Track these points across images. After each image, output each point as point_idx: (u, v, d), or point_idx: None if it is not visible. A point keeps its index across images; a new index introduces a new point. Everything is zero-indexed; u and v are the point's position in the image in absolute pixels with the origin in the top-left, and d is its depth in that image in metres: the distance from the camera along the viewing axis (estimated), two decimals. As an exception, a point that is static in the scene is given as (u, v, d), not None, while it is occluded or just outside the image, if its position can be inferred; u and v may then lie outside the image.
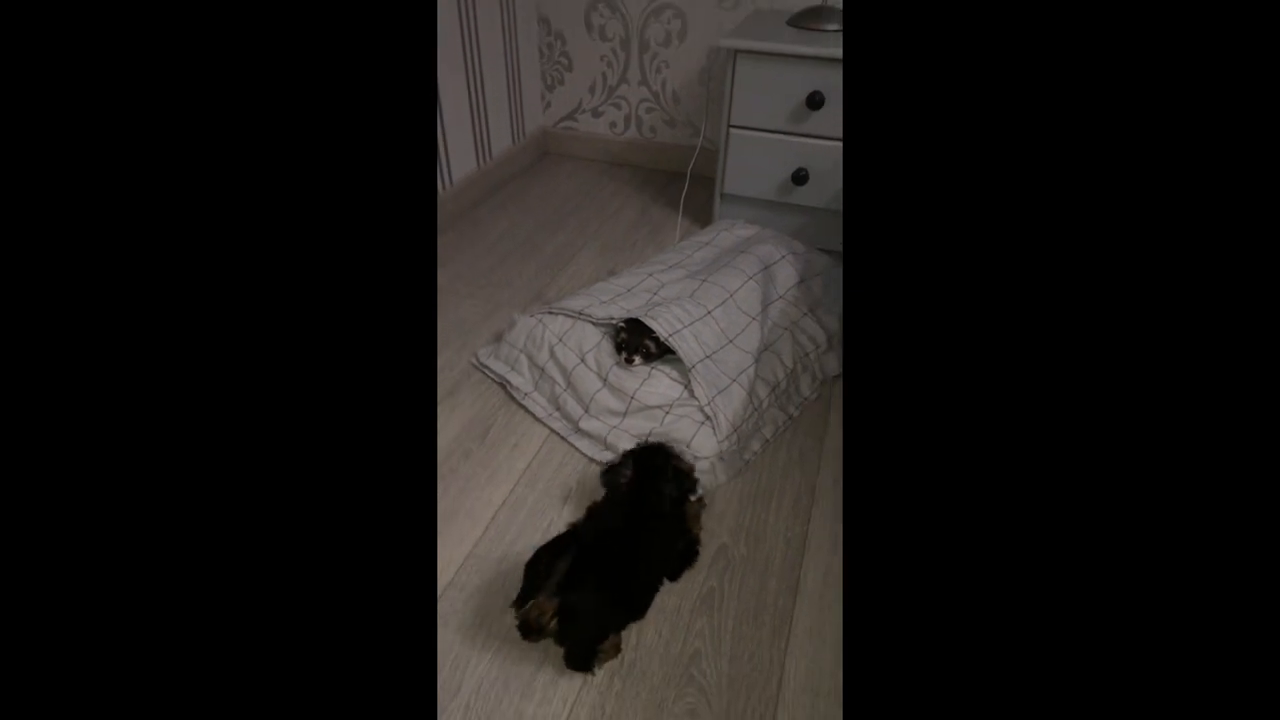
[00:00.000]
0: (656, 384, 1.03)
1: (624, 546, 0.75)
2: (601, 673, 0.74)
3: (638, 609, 0.77)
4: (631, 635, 0.77)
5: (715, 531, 0.90)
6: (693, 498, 0.86)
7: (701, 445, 0.97)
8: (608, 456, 0.99)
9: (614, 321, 1.09)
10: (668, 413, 1.01)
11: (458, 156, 1.65)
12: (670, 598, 0.82)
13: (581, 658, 0.73)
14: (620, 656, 0.75)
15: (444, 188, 1.62)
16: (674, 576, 0.83)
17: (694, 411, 0.99)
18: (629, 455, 0.83)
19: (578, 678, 0.73)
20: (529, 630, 0.71)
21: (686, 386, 1.02)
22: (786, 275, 1.23)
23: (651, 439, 0.96)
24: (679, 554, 0.83)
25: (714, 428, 0.97)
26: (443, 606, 0.80)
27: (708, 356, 1.04)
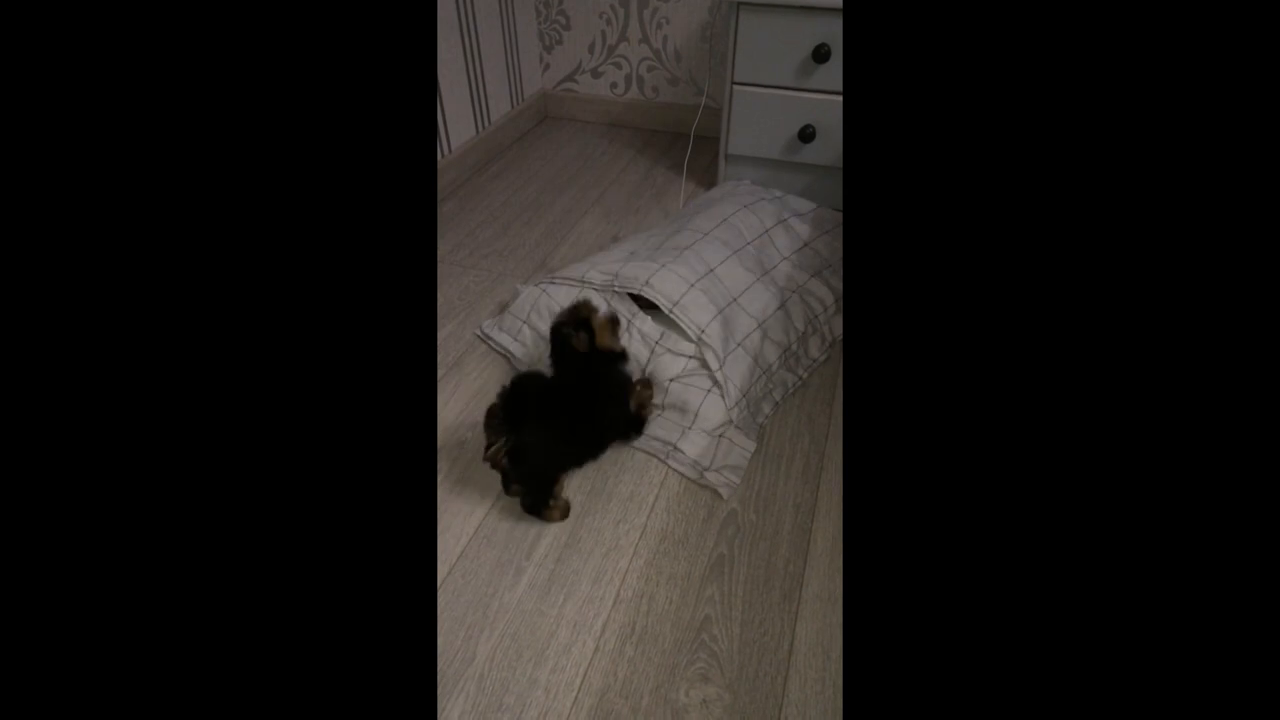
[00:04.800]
0: (661, 357, 1.01)
1: (573, 394, 0.87)
2: (614, 637, 0.74)
3: (590, 450, 0.88)
4: (642, 602, 0.78)
5: (724, 497, 0.90)
6: (639, 384, 0.97)
7: (710, 412, 0.96)
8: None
9: (615, 288, 1.07)
10: (673, 380, 1.00)
11: (456, 123, 1.61)
12: (680, 563, 0.82)
13: (535, 498, 0.85)
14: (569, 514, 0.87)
15: (443, 156, 1.59)
16: (624, 439, 0.95)
17: (701, 380, 0.98)
18: (574, 317, 0.91)
19: (590, 644, 0.74)
20: (495, 466, 0.83)
21: (693, 357, 1.01)
22: (792, 235, 1.21)
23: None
24: (628, 423, 0.93)
25: (723, 394, 0.96)
26: (454, 577, 0.81)
27: (720, 312, 1.02)
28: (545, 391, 0.85)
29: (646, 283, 1.04)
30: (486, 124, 1.74)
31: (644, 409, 0.95)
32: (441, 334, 1.18)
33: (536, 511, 0.86)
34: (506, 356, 1.12)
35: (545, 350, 1.09)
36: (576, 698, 0.70)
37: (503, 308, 1.20)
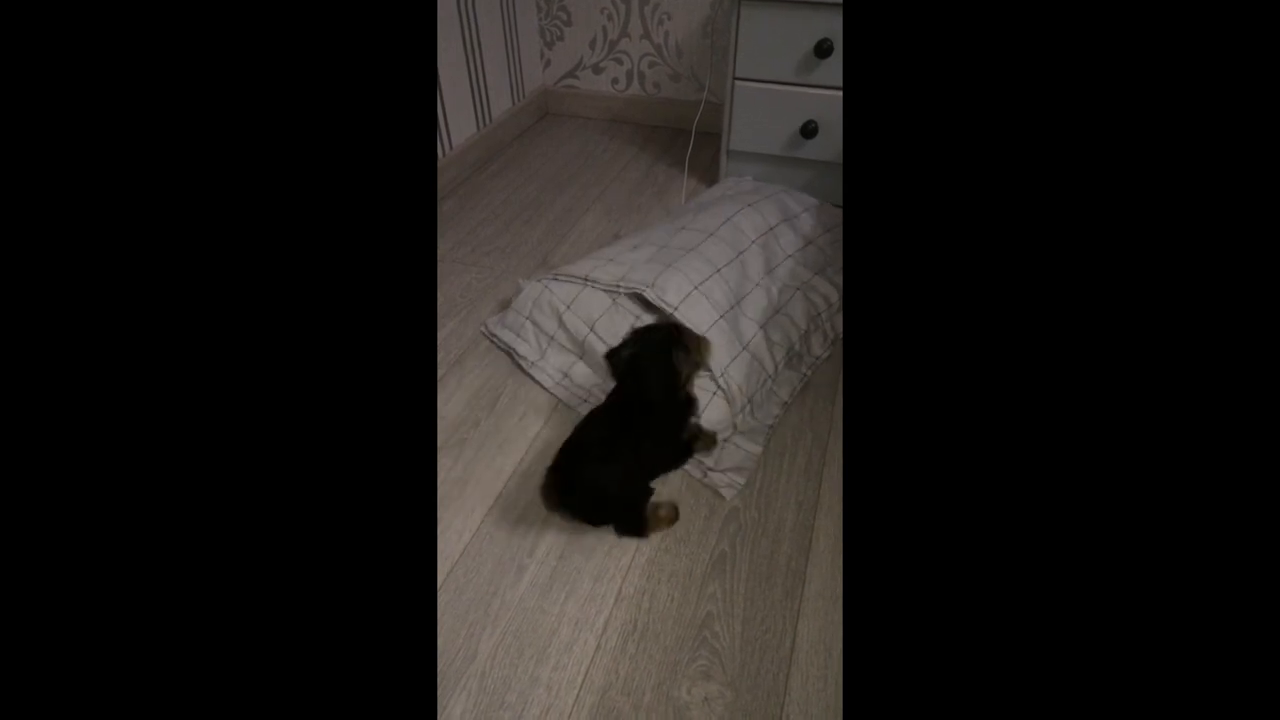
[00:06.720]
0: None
1: (632, 424, 0.84)
2: (615, 635, 0.74)
3: (644, 476, 0.86)
4: (644, 600, 0.78)
5: (726, 499, 0.90)
6: (698, 421, 0.93)
7: (713, 417, 0.95)
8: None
9: (619, 289, 1.07)
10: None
11: (456, 120, 1.61)
12: (681, 561, 0.82)
13: (632, 526, 0.84)
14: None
15: (443, 153, 1.59)
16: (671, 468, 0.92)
17: (705, 382, 0.98)
18: (632, 334, 0.87)
19: (591, 642, 0.74)
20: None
21: (696, 355, 1.00)
22: (795, 234, 1.20)
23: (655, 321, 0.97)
24: (677, 452, 0.91)
25: (728, 399, 0.96)
26: (456, 574, 0.81)
27: (721, 317, 1.02)
28: (597, 431, 0.84)
29: (651, 285, 1.03)
30: (487, 121, 1.74)
31: (699, 442, 0.93)
32: (443, 332, 1.18)
33: (639, 533, 0.84)
34: (509, 353, 1.12)
35: (550, 349, 1.09)
36: (578, 695, 0.70)
37: (504, 305, 1.20)
